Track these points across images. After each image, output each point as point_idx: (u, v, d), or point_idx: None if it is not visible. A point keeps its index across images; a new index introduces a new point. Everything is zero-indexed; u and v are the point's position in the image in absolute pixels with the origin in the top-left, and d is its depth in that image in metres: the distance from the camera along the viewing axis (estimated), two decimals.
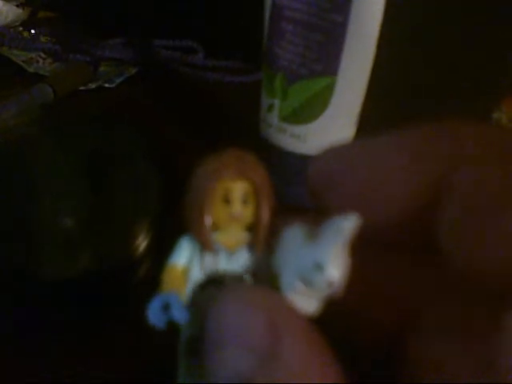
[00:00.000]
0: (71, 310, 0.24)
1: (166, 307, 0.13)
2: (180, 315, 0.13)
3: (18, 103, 0.38)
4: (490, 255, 0.11)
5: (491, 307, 0.11)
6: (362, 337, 0.15)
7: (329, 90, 0.29)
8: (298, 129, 0.31)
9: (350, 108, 0.31)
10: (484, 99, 0.39)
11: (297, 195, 0.30)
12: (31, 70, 0.48)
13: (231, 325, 0.11)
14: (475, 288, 0.11)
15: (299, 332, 0.11)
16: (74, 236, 0.25)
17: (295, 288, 0.12)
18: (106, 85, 0.48)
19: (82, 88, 0.46)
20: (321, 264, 0.11)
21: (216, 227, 0.14)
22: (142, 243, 0.27)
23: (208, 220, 0.13)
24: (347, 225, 0.12)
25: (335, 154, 0.14)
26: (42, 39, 0.54)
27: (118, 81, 0.49)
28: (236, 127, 0.37)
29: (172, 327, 0.13)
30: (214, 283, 0.14)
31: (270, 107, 0.32)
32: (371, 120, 0.32)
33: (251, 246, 0.14)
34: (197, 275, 0.14)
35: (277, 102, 0.31)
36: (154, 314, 0.13)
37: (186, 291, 0.14)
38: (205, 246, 0.13)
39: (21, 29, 0.57)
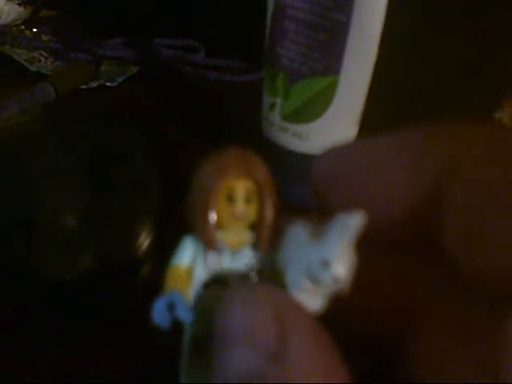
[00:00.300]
0: (72, 310, 0.24)
1: (171, 307, 0.13)
2: (185, 315, 0.13)
3: (20, 102, 0.38)
4: (490, 256, 0.11)
5: (492, 308, 0.11)
6: (363, 337, 0.15)
7: (331, 89, 0.29)
8: (299, 128, 0.31)
9: (352, 107, 0.31)
10: (486, 98, 0.39)
11: (299, 194, 0.30)
12: (33, 68, 0.48)
13: (238, 324, 0.11)
14: (476, 288, 0.11)
15: (306, 330, 0.11)
16: (75, 236, 0.25)
17: (301, 285, 0.12)
18: (108, 84, 0.48)
19: (83, 87, 0.46)
20: (327, 260, 0.11)
21: (219, 226, 0.14)
22: (143, 243, 0.27)
23: (211, 219, 0.13)
24: (353, 222, 0.12)
25: (338, 153, 0.14)
26: (44, 38, 0.54)
27: (120, 80, 0.49)
28: (237, 126, 0.37)
29: (174, 328, 0.13)
30: (218, 282, 0.14)
31: (272, 106, 0.32)
32: (373, 119, 0.32)
33: (255, 245, 0.14)
34: (200, 274, 0.14)
35: (279, 100, 0.31)
36: (158, 314, 0.13)
37: (190, 291, 0.13)
38: (208, 245, 0.13)
39: (23, 27, 0.57)
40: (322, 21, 0.28)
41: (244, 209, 0.13)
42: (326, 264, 0.11)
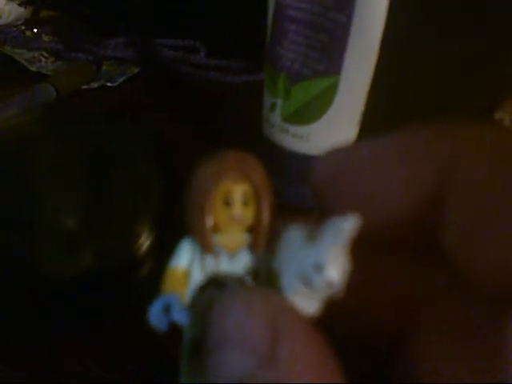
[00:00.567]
0: (72, 310, 0.24)
1: (168, 309, 0.13)
2: (181, 317, 0.13)
3: (21, 102, 0.38)
4: (490, 256, 0.11)
5: (491, 308, 0.11)
6: (363, 337, 0.15)
7: (332, 89, 0.29)
8: (300, 129, 0.31)
9: (353, 108, 0.31)
10: (486, 99, 0.38)
11: (298, 195, 0.30)
12: (33, 68, 0.48)
13: (232, 326, 0.11)
14: (476, 288, 0.11)
15: (299, 333, 0.11)
16: (75, 235, 0.25)
17: (295, 289, 0.12)
18: (109, 84, 0.48)
19: (84, 87, 0.46)
20: (320, 265, 0.11)
21: (217, 229, 0.14)
22: (143, 243, 0.27)
23: (209, 222, 0.13)
24: (347, 225, 0.12)
25: (338, 155, 0.14)
26: (45, 38, 0.54)
27: (120, 80, 0.49)
28: (238, 127, 0.37)
29: (173, 329, 0.13)
30: (214, 285, 0.14)
31: (273, 107, 0.32)
32: (374, 120, 0.32)
33: (252, 248, 0.14)
34: (198, 277, 0.14)
35: (279, 101, 0.31)
36: (155, 316, 0.13)
37: (187, 293, 0.14)
38: (206, 248, 0.13)
39: (23, 27, 0.57)
40: (322, 21, 0.28)
41: (241, 212, 0.13)
42: (319, 268, 0.11)
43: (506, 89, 0.39)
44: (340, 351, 0.11)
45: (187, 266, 0.14)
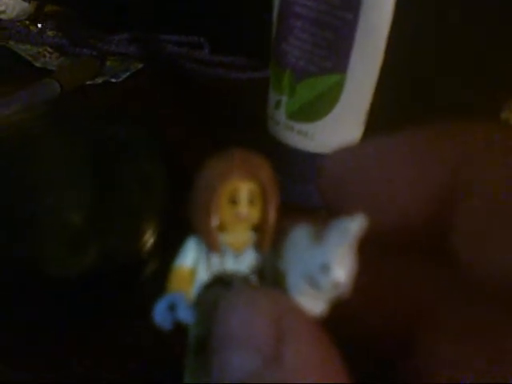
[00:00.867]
0: (74, 309, 0.24)
1: (173, 308, 0.13)
2: (186, 316, 0.13)
3: (25, 98, 0.38)
4: (499, 258, 0.10)
5: (499, 310, 0.11)
6: (368, 338, 0.15)
7: (337, 87, 0.29)
8: (305, 126, 0.31)
9: (359, 106, 0.31)
10: (492, 99, 0.38)
11: (304, 193, 0.30)
12: (38, 64, 0.48)
13: (237, 326, 0.11)
14: (482, 290, 0.11)
15: (305, 333, 0.11)
16: (79, 233, 0.25)
17: (301, 289, 0.12)
18: (113, 80, 0.48)
19: (88, 82, 0.46)
20: (327, 265, 0.11)
21: (222, 228, 0.14)
22: (147, 241, 0.27)
23: (214, 221, 0.13)
24: (353, 226, 0.12)
25: (346, 154, 0.14)
26: (49, 33, 0.54)
27: (124, 76, 0.49)
28: (243, 124, 0.37)
29: (178, 327, 0.13)
30: (219, 283, 0.14)
31: (278, 104, 0.32)
32: (379, 118, 0.32)
33: (257, 247, 0.14)
34: (203, 276, 0.14)
35: (284, 98, 0.31)
36: (160, 315, 0.13)
37: (192, 292, 0.14)
38: (211, 246, 0.13)
39: (28, 23, 0.57)
40: (329, 19, 0.28)
41: (247, 210, 0.13)
42: (325, 268, 0.11)
43: (510, 88, 0.39)
44: (345, 352, 0.11)
45: (193, 264, 0.14)
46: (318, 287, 0.12)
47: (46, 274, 0.24)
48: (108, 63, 0.50)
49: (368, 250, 0.12)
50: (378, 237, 0.12)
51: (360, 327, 0.15)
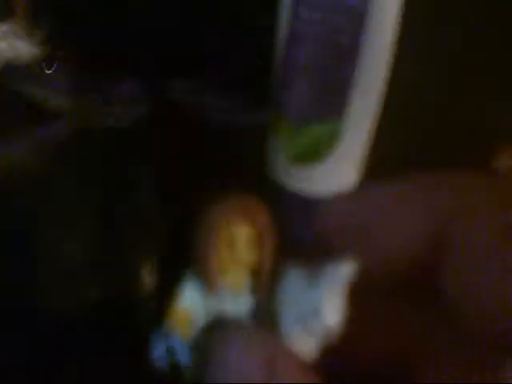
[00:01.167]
0: (72, 348, 0.24)
1: (171, 348, 0.13)
2: (183, 357, 0.13)
3: (32, 139, 0.39)
4: (487, 306, 0.11)
5: (490, 356, 0.11)
6: (364, 376, 0.15)
7: (336, 134, 0.30)
8: (304, 170, 0.32)
9: (356, 152, 0.32)
10: (483, 149, 0.39)
11: (301, 236, 0.30)
12: (46, 106, 0.49)
13: (230, 367, 0.12)
14: (474, 334, 0.12)
15: (296, 375, 0.12)
16: (81, 271, 0.26)
17: (294, 332, 0.13)
18: (118, 123, 0.49)
19: (95, 126, 0.47)
20: (318, 309, 0.12)
21: (220, 270, 0.14)
22: (146, 280, 0.27)
23: (214, 263, 0.14)
24: (345, 271, 0.12)
25: (344, 201, 0.15)
26: (58, 77, 0.56)
27: (129, 119, 0.50)
28: (242, 167, 0.38)
29: (175, 368, 0.13)
30: (216, 326, 0.14)
31: (277, 148, 0.33)
32: (376, 164, 0.32)
33: (254, 289, 0.14)
34: (201, 316, 0.14)
35: (284, 143, 0.32)
36: (158, 355, 0.13)
37: (190, 332, 0.14)
38: (210, 288, 0.14)
39: (39, 67, 0.58)
40: (327, 72, 0.29)
41: (245, 254, 0.14)
42: (316, 312, 0.12)
43: (501, 138, 0.40)
44: None
45: (191, 305, 0.14)
46: (309, 330, 0.12)
47: (44, 310, 0.25)
48: (114, 107, 0.51)
49: (359, 293, 0.12)
50: (371, 278, 0.13)
51: (356, 366, 0.15)
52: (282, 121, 0.32)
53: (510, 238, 0.11)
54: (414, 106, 0.36)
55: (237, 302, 0.14)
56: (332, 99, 0.29)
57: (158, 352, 0.13)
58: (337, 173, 0.32)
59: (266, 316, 0.14)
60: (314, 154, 0.31)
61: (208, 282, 0.14)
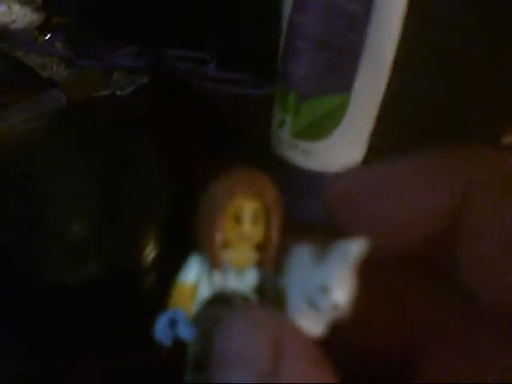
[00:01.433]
0: (73, 321, 0.24)
1: (173, 324, 0.13)
2: (186, 332, 0.13)
3: (31, 108, 0.39)
4: (502, 281, 0.11)
5: (504, 333, 0.11)
6: (372, 359, 0.15)
7: (341, 107, 0.29)
8: (309, 145, 0.31)
9: (362, 126, 0.31)
10: (492, 125, 0.39)
11: (306, 210, 0.30)
12: (45, 74, 0.49)
13: (236, 344, 0.12)
14: (489, 313, 0.12)
15: (302, 354, 0.11)
16: (81, 243, 0.25)
17: (301, 309, 0.12)
18: (118, 92, 0.48)
19: (94, 94, 0.47)
20: (326, 287, 0.12)
21: (226, 246, 0.14)
22: (148, 254, 0.27)
23: (218, 238, 0.13)
24: (354, 249, 0.12)
25: (354, 174, 0.14)
26: (57, 44, 0.55)
27: (130, 89, 0.49)
28: (247, 140, 0.37)
29: (179, 342, 0.13)
30: (220, 301, 0.14)
31: (282, 123, 0.32)
32: (382, 140, 0.32)
33: (260, 265, 0.14)
34: (205, 292, 0.14)
35: (289, 117, 0.31)
36: (160, 330, 0.13)
37: (193, 308, 0.14)
38: (214, 264, 0.14)
39: (36, 33, 0.57)
40: (334, 40, 0.28)
41: (250, 229, 0.13)
42: (325, 290, 0.11)
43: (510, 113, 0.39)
44: (344, 372, 0.11)
45: (195, 280, 0.14)
46: (317, 308, 0.12)
47: (45, 284, 0.24)
48: (114, 76, 0.50)
49: (369, 270, 0.12)
50: (381, 255, 0.12)
51: (365, 349, 0.15)
52: (287, 94, 0.31)
53: None
54: (423, 79, 0.35)
55: (242, 278, 0.14)
56: (339, 70, 0.29)
57: (161, 327, 0.13)
58: (343, 147, 0.31)
59: (272, 293, 0.14)
60: (319, 128, 0.30)
61: (212, 258, 0.14)
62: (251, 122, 0.40)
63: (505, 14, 0.37)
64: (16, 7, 0.57)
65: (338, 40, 0.28)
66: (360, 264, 0.12)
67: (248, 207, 0.13)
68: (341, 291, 0.11)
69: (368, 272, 0.12)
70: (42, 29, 0.58)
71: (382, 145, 0.32)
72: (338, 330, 0.12)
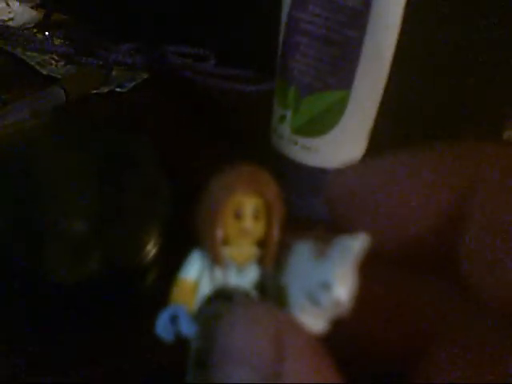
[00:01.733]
0: (74, 318, 0.24)
1: (174, 320, 0.13)
2: (188, 328, 0.13)
3: (30, 105, 0.39)
4: (504, 278, 0.11)
5: (507, 334, 0.11)
6: (374, 357, 0.15)
7: (342, 103, 0.29)
8: (309, 141, 0.31)
9: (362, 122, 0.31)
10: (493, 119, 0.39)
11: (307, 206, 0.30)
12: (44, 71, 0.49)
13: (237, 341, 0.11)
14: (491, 312, 0.12)
15: (304, 351, 0.11)
16: (81, 240, 0.25)
17: (302, 306, 0.12)
18: (118, 89, 0.48)
19: (93, 91, 0.46)
20: (328, 283, 0.11)
21: (226, 242, 0.14)
22: (150, 251, 0.27)
23: (219, 234, 0.13)
24: (356, 244, 0.12)
25: (355, 169, 0.14)
26: (56, 41, 0.55)
27: (130, 86, 0.49)
28: (246, 137, 0.37)
29: (179, 339, 0.13)
30: (221, 297, 0.14)
31: (282, 118, 0.32)
32: (382, 136, 0.32)
33: (260, 262, 0.14)
34: (206, 289, 0.14)
35: (289, 113, 0.31)
36: (162, 327, 0.13)
37: (194, 304, 0.14)
38: (215, 260, 0.14)
39: (35, 30, 0.57)
40: (335, 36, 0.28)
41: (251, 225, 0.13)
42: (326, 287, 0.11)
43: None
44: (346, 369, 0.11)
45: (196, 277, 0.14)
46: (318, 305, 0.12)
47: (46, 282, 0.24)
48: (114, 73, 0.50)
49: (371, 267, 0.12)
50: (383, 250, 0.12)
51: (366, 346, 0.15)
52: (287, 90, 0.31)
53: None
54: (424, 75, 0.35)
55: (243, 274, 0.14)
56: (339, 66, 0.28)
57: (163, 323, 0.13)
58: (343, 143, 0.31)
59: (273, 290, 0.14)
60: (320, 124, 0.30)
61: (213, 254, 0.13)
62: (251, 119, 0.40)
63: (505, 12, 0.37)
64: (15, 4, 0.57)
65: (338, 36, 0.28)
66: (361, 259, 0.12)
67: (249, 203, 0.13)
68: (342, 288, 0.11)
69: (369, 268, 0.12)
70: (41, 26, 0.58)
71: (382, 140, 0.32)
72: (338, 327, 0.12)
